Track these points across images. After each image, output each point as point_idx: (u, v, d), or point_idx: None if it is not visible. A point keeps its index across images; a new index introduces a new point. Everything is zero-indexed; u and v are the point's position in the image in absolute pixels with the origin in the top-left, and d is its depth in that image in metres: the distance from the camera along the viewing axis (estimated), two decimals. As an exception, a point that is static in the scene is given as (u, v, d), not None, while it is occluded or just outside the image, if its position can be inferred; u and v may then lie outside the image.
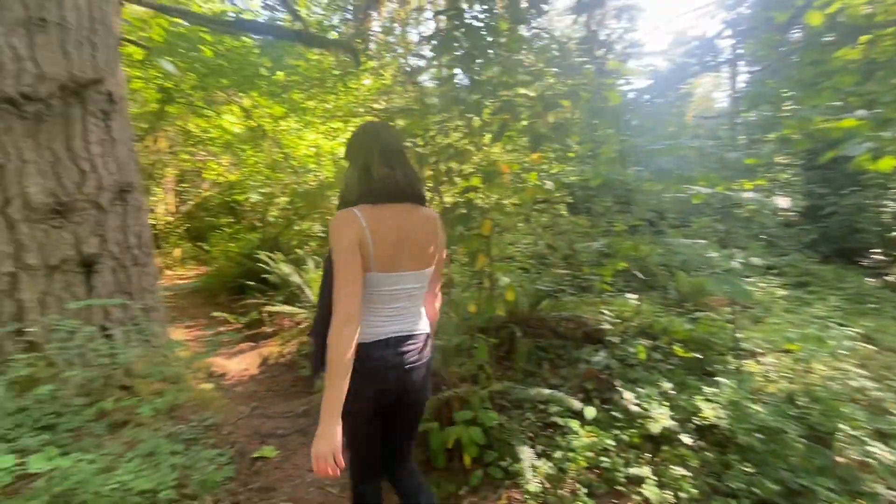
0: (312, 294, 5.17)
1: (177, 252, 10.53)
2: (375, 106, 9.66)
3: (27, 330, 2.37)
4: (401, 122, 2.52)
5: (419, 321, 1.42)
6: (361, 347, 1.26)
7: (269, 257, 5.82)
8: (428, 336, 1.44)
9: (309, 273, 5.37)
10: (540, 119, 2.13)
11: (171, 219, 10.73)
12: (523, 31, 2.75)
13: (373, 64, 9.79)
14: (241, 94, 6.82)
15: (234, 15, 5.95)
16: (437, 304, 1.57)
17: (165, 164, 5.94)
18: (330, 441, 1.20)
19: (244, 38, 5.38)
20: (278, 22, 6.28)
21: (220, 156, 10.10)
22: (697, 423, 2.33)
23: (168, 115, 5.56)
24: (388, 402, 1.39)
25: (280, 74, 6.85)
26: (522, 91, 2.19)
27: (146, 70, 4.89)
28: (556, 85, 2.14)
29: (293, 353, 4.44)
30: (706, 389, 2.50)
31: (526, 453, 2.12)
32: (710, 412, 2.33)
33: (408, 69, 12.41)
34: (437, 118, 2.56)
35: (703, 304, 3.93)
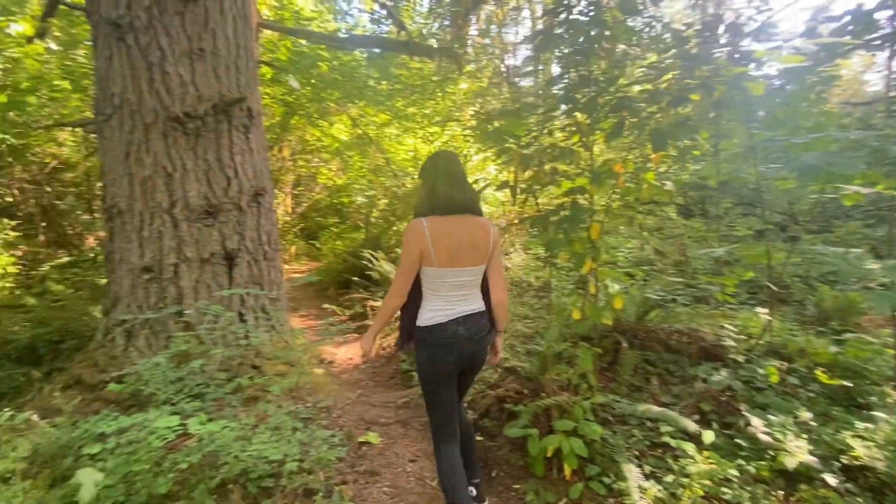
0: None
1: (292, 249, 11.72)
2: (470, 111, 9.82)
3: (185, 312, 2.81)
4: (497, 124, 2.53)
5: (477, 302, 1.86)
6: (434, 325, 1.77)
7: (372, 255, 6.21)
8: (484, 313, 1.87)
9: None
10: (664, 115, 1.98)
11: (288, 219, 11.98)
12: (634, 21, 2.59)
13: (470, 68, 9.93)
14: (350, 104, 7.39)
15: (347, 32, 6.46)
16: (502, 294, 1.88)
17: (286, 170, 6.65)
18: (365, 344, 1.91)
19: (355, 53, 5.82)
20: (384, 35, 6.67)
21: (330, 162, 11.03)
22: (845, 462, 1.99)
23: (290, 127, 6.23)
24: (464, 365, 1.85)
25: (384, 85, 7.30)
26: (641, 87, 2.06)
27: (274, 87, 5.52)
28: (681, 77, 1.97)
29: (392, 347, 4.69)
30: (858, 424, 2.13)
31: (632, 472, 1.99)
32: (862, 451, 1.98)
33: (504, 70, 12.40)
34: (537, 118, 2.52)
35: (852, 324, 3.34)
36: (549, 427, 2.12)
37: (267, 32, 5.42)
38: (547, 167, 2.25)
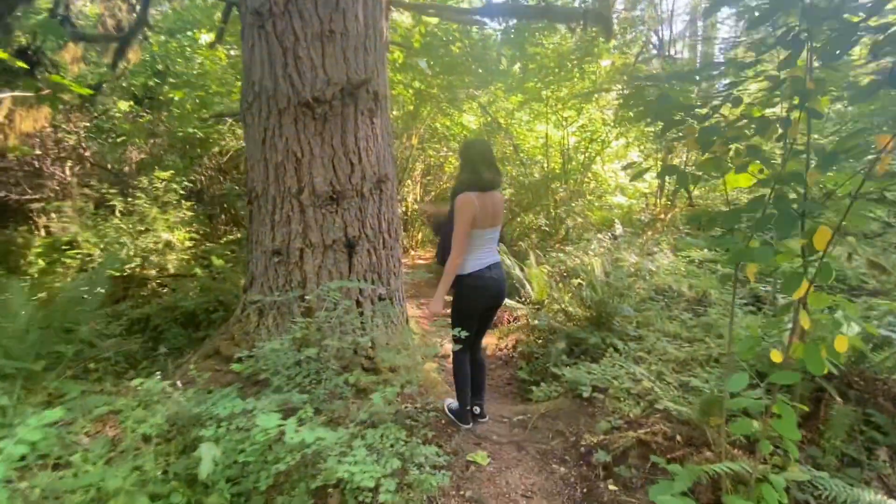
0: (533, 290, 5.00)
1: (419, 235, 12.10)
2: (613, 89, 8.82)
3: (307, 297, 2.85)
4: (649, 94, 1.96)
5: (497, 255, 2.53)
6: (476, 272, 2.42)
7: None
8: (500, 262, 2.54)
9: (531, 268, 5.19)
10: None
11: (416, 207, 12.39)
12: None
13: (614, 42, 8.86)
14: (481, 89, 7.14)
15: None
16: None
17: (414, 158, 6.70)
18: (436, 307, 2.47)
19: (487, 31, 5.48)
20: (523, 2, 6.18)
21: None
22: None
23: (420, 116, 6.22)
24: (490, 303, 2.52)
25: (516, 69, 6.86)
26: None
27: (406, 73, 5.50)
28: None
29: (509, 349, 4.35)
30: None
31: None
32: None
33: (655, 43, 10.89)
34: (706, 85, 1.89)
35: None
36: (716, 502, 1.56)
37: (400, 20, 5.41)
38: (735, 147, 1.64)
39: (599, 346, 3.27)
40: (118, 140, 8.09)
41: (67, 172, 8.09)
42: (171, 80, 7.29)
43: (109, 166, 8.55)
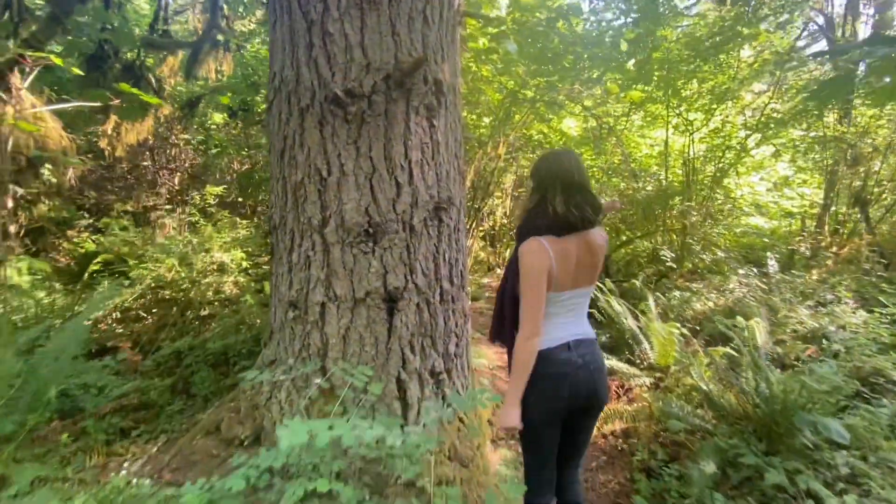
0: (653, 351, 3.71)
1: (508, 252, 11.08)
2: (762, 82, 7.05)
3: (329, 368, 2.04)
4: None
5: (588, 325, 1.64)
6: (547, 352, 1.52)
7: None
8: (595, 340, 1.63)
9: (650, 319, 3.89)
10: None
11: (506, 221, 11.37)
12: None
13: (760, 28, 7.02)
14: (587, 88, 5.94)
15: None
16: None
17: (500, 170, 5.73)
18: (510, 419, 1.49)
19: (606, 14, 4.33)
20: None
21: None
22: None
23: (512, 122, 5.25)
24: (577, 405, 1.55)
25: (628, 66, 5.56)
26: None
27: (492, 65, 4.51)
28: None
29: (618, 438, 3.14)
30: None
31: None
32: None
33: (820, 23, 8.68)
34: None
35: None
36: None
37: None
38: None
39: (783, 489, 1.98)
40: (216, 151, 8.34)
41: (177, 182, 8.53)
42: (264, 91, 7.22)
43: (216, 176, 8.95)
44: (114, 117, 6.56)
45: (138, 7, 8.05)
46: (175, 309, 3.91)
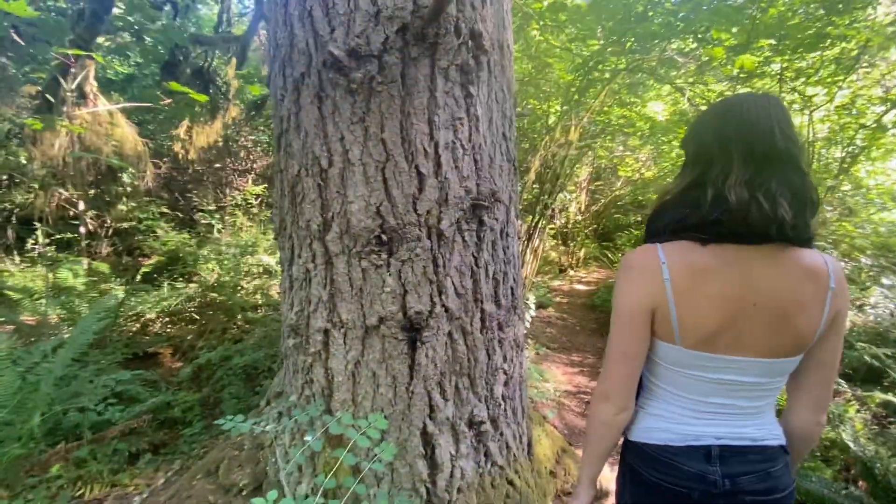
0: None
1: (582, 252, 10.15)
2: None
3: (336, 411, 1.59)
4: None
5: (762, 425, 0.93)
6: (659, 450, 0.93)
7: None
8: (777, 451, 0.92)
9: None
10: None
11: (580, 218, 10.43)
12: None
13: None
14: (680, 60, 4.99)
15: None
16: (822, 417, 0.96)
17: (575, 159, 4.96)
18: (584, 499, 1.03)
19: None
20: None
21: (638, 150, 8.72)
22: None
23: (586, 103, 4.49)
24: None
25: (730, 36, 4.51)
26: None
27: (562, 27, 3.76)
28: None
29: None
30: None
31: None
32: None
33: None
34: None
35: None
36: None
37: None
38: None
39: None
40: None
41: (250, 182, 8.79)
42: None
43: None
44: (185, 121, 6.80)
45: (205, 15, 8.35)
46: (219, 313, 3.75)
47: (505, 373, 1.79)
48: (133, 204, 6.21)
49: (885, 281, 4.37)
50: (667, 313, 0.88)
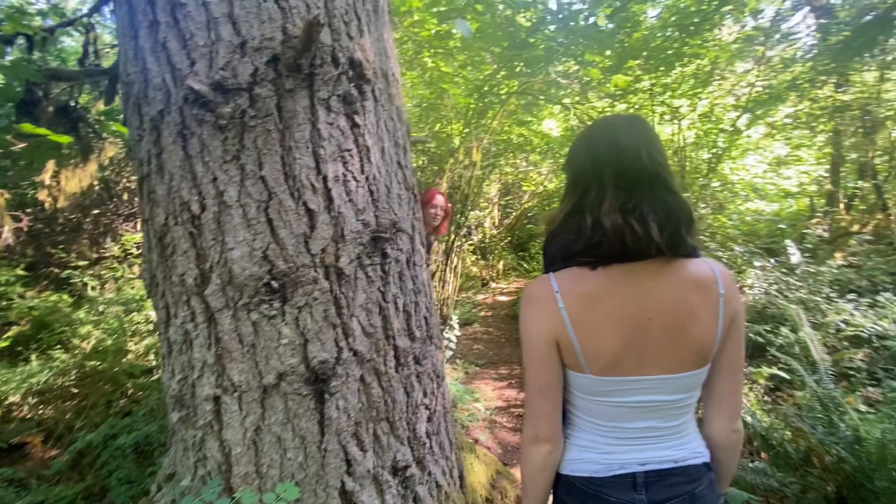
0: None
1: (501, 264, 10.45)
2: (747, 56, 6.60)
3: (237, 488, 1.39)
4: None
5: (685, 444, 0.93)
6: (585, 483, 0.91)
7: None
8: (701, 468, 0.92)
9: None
10: None
11: (495, 232, 10.78)
12: None
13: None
14: (564, 80, 5.41)
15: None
16: (736, 423, 0.96)
17: (482, 178, 5.10)
18: None
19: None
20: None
21: (539, 164, 9.26)
22: None
23: (484, 124, 4.68)
24: None
25: (607, 54, 5.00)
26: None
27: (452, 54, 3.89)
28: None
29: None
30: None
31: None
32: None
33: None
34: None
35: None
36: None
37: None
38: None
39: None
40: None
41: (138, 227, 7.85)
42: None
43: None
44: (50, 165, 5.95)
45: (70, 47, 7.52)
46: (102, 384, 3.23)
47: (427, 408, 1.71)
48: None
49: (756, 263, 4.98)
50: (570, 343, 0.86)
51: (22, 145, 4.11)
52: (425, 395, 1.70)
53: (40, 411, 3.33)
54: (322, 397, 1.41)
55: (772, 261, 4.87)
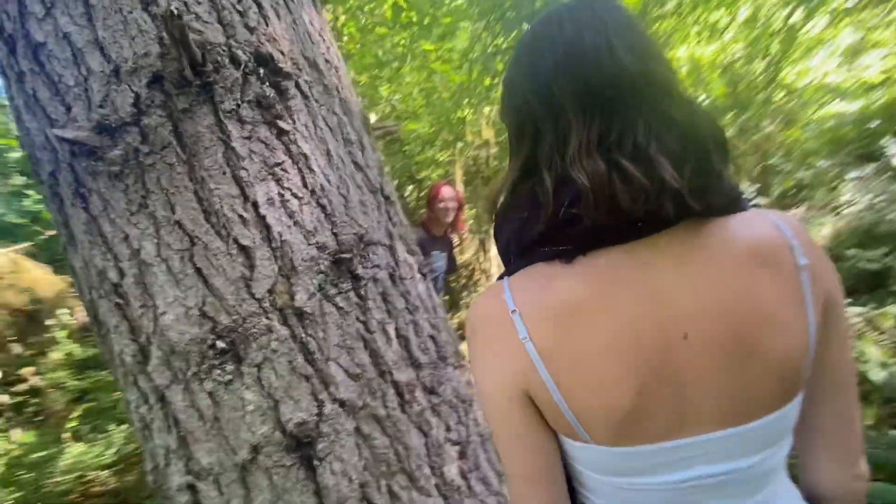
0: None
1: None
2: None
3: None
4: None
5: None
6: None
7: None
8: None
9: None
10: None
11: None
12: None
13: None
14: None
15: None
16: (853, 470, 0.57)
17: (499, 155, 4.56)
18: None
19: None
20: None
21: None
22: None
23: (487, 97, 4.16)
24: None
25: None
26: None
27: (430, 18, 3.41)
28: None
29: None
30: None
31: None
32: None
33: None
34: None
35: None
36: None
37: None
38: None
39: None
40: None
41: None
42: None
43: None
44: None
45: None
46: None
47: (455, 443, 1.42)
48: None
49: (850, 174, 4.16)
50: (547, 396, 0.53)
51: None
52: (449, 429, 1.41)
53: (117, 483, 3.43)
54: (311, 464, 1.16)
55: (870, 167, 4.03)
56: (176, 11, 0.92)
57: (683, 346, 0.49)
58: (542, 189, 0.53)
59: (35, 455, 3.34)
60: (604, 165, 0.49)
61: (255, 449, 1.13)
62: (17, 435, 3.89)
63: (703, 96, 6.37)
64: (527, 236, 0.54)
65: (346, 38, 3.88)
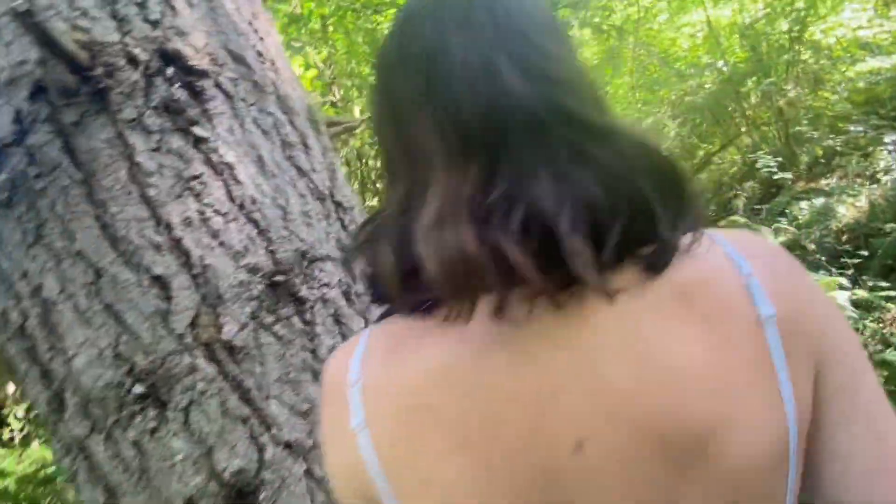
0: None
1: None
2: None
3: None
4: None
5: None
6: None
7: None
8: None
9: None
10: None
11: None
12: None
13: None
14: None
15: None
16: None
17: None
18: None
19: None
20: None
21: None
22: None
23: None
24: None
25: None
26: None
27: None
28: None
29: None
30: None
31: None
32: None
33: None
34: None
35: None
36: None
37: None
38: None
39: None
40: None
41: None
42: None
43: None
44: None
45: None
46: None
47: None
48: None
49: (887, 139, 3.78)
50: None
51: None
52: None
53: None
54: (255, 515, 1.03)
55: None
56: (27, 7, 0.76)
57: (576, 460, 0.32)
58: (381, 249, 0.37)
59: (48, 471, 3.37)
60: (474, 242, 0.31)
61: (190, 501, 1.00)
62: (35, 446, 3.98)
63: (722, 63, 5.99)
64: (377, 284, 0.37)
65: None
